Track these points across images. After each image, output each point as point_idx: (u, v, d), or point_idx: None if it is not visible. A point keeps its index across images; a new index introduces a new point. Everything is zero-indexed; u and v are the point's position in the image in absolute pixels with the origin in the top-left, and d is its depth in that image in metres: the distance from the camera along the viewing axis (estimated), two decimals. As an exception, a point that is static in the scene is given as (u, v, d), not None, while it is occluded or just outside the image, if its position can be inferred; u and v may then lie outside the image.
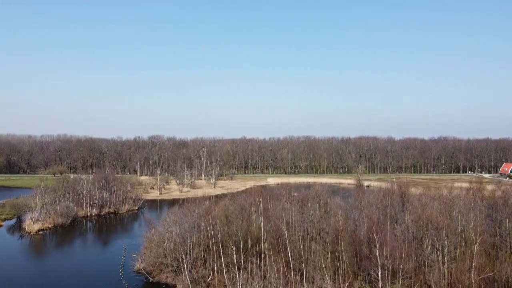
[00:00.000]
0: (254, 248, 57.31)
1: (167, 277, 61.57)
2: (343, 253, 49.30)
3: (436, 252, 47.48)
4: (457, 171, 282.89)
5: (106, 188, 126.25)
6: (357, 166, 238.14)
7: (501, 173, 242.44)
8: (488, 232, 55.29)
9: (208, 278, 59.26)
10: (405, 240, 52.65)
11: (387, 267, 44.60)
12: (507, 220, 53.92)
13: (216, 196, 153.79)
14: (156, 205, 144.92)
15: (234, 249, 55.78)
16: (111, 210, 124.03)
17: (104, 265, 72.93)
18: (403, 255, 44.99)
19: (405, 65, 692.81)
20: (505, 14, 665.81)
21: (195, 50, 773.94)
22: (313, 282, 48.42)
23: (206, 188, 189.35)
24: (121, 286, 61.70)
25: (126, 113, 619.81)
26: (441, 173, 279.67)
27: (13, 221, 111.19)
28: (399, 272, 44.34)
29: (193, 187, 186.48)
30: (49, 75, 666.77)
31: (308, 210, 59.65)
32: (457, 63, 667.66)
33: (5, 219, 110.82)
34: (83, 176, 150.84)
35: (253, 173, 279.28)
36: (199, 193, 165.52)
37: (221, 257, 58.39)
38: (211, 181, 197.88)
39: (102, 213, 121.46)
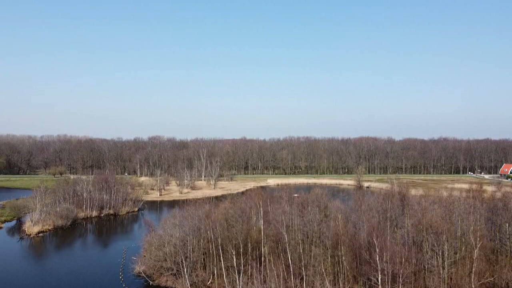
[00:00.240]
0: (254, 252, 57.29)
1: (167, 280, 61.55)
2: (343, 258, 49.27)
3: (436, 256, 47.47)
4: (457, 171, 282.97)
5: (106, 190, 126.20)
6: (357, 167, 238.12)
7: (501, 174, 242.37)
8: (488, 236, 55.25)
9: (208, 281, 59.26)
10: (405, 244, 52.63)
11: (387, 272, 44.59)
12: (507, 225, 53.87)
13: (216, 197, 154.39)
14: (156, 206, 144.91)
15: (234, 253, 55.78)
16: (111, 211, 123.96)
17: (104, 267, 72.86)
18: (403, 260, 44.97)
19: (405, 66, 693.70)
20: (505, 14, 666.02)
21: (195, 50, 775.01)
22: (313, 287, 48.43)
23: (206, 189, 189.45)
24: (121, 289, 61.70)
25: (126, 113, 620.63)
26: (441, 173, 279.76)
27: (13, 223, 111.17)
28: (399, 277, 44.33)
29: (193, 188, 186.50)
30: (49, 75, 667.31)
31: (308, 214, 59.64)
32: (457, 64, 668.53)
33: (5, 221, 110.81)
34: (83, 177, 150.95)
35: (253, 174, 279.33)
36: (199, 194, 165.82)
37: (221, 261, 58.41)
38: (211, 182, 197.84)
39: (102, 215, 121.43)
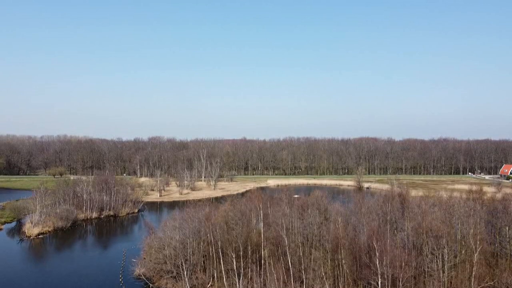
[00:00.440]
0: (254, 255, 57.28)
1: (167, 283, 61.52)
2: (343, 261, 49.27)
3: (436, 260, 47.48)
4: (457, 172, 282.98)
5: (106, 191, 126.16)
6: (357, 168, 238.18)
7: (501, 175, 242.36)
8: (488, 239, 55.23)
9: (208, 284, 59.24)
10: (405, 247, 52.63)
11: (387, 275, 44.59)
12: (507, 228, 53.87)
13: (216, 198, 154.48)
14: (156, 207, 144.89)
15: (234, 256, 55.77)
16: (111, 213, 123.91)
17: (104, 269, 72.87)
18: (403, 263, 44.97)
19: (405, 66, 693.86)
20: (505, 14, 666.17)
21: (194, 50, 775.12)
22: (313, 290, 48.46)
23: (206, 190, 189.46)
24: (121, 292, 61.75)
25: (126, 113, 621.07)
26: (441, 174, 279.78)
27: (13, 224, 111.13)
28: (399, 281, 44.33)
29: (193, 189, 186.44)
30: (49, 76, 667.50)
31: (308, 216, 59.66)
32: (457, 64, 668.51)
33: (5, 222, 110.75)
34: (83, 178, 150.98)
35: (253, 174, 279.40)
36: (199, 195, 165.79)
37: (221, 264, 58.41)
38: (211, 183, 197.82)
39: (102, 216, 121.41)
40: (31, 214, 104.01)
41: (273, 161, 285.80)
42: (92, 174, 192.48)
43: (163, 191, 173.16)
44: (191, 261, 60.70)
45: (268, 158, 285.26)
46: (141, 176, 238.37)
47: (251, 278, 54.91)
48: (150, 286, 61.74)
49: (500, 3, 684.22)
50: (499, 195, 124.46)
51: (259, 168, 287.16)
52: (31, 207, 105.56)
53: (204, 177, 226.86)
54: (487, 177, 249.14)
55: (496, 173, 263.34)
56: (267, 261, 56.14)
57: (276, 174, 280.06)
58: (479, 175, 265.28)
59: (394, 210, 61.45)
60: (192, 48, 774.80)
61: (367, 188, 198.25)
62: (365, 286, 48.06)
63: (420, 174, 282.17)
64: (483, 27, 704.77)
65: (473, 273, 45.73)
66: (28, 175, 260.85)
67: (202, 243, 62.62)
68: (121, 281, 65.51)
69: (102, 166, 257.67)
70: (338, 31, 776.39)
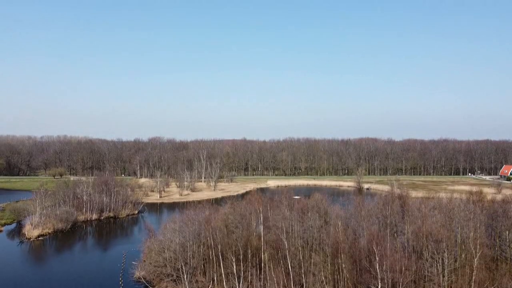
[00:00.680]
0: (254, 259, 57.26)
1: (167, 286, 61.44)
2: (343, 265, 49.26)
3: (436, 264, 47.47)
4: (457, 173, 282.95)
5: (106, 192, 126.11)
6: (357, 168, 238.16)
7: (501, 175, 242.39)
8: (488, 244, 55.19)
9: (208, 287, 59.23)
10: (405, 251, 52.62)
11: (387, 280, 44.59)
12: (507, 232, 53.86)
13: (216, 200, 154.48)
14: (156, 208, 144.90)
15: (234, 259, 55.76)
16: (111, 214, 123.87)
17: (104, 272, 72.88)
18: (403, 268, 44.96)
19: (405, 67, 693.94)
20: (505, 17, 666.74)
21: (195, 52, 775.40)
22: (313, 294, 48.45)
23: (206, 190, 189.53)
24: (121, 295, 61.79)
25: (126, 114, 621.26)
26: (441, 175, 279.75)
27: (13, 226, 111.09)
28: (399, 286, 44.31)
29: (193, 189, 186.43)
30: (50, 76, 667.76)
31: (308, 220, 59.64)
32: (457, 65, 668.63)
33: (5, 224, 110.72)
34: (83, 178, 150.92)
35: (253, 175, 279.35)
36: (199, 196, 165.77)
37: (221, 267, 58.40)
38: (211, 184, 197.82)
39: (102, 218, 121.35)
40: (31, 216, 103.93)
41: (273, 161, 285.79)
42: (92, 175, 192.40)
43: (163, 192, 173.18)
44: (191, 264, 60.70)
45: (268, 159, 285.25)
46: (141, 177, 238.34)
47: (251, 282, 54.93)
48: (150, 289, 61.74)
49: (499, 7, 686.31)
50: (499, 196, 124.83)
51: (259, 169, 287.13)
52: (31, 208, 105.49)
53: (204, 178, 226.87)
54: (487, 177, 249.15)
55: (496, 174, 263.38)
56: (267, 265, 56.12)
57: (276, 175, 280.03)
58: (479, 176, 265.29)
59: (394, 213, 61.45)
60: (192, 50, 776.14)
61: (367, 189, 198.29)
62: (365, 290, 48.03)
63: (420, 174, 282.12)
64: (483, 29, 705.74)
65: (473, 277, 45.71)
66: (28, 175, 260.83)
67: (202, 246, 62.60)
68: (121, 284, 65.55)
69: (102, 166, 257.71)
70: (338, 33, 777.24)
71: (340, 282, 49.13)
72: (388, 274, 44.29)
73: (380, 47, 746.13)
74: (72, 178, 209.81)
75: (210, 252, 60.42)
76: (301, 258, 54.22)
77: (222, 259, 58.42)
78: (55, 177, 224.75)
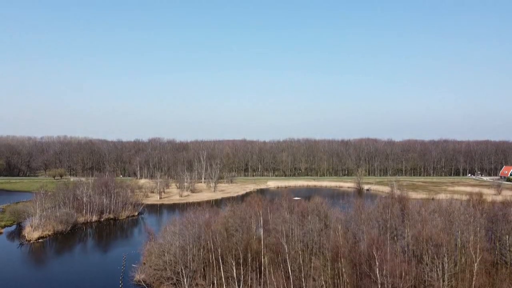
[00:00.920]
0: (254, 263, 57.21)
1: (167, 289, 61.48)
2: (343, 269, 49.23)
3: (436, 269, 47.43)
4: (457, 173, 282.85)
5: (106, 194, 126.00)
6: (357, 169, 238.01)
7: (501, 176, 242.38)
8: (488, 249, 55.15)
9: (208, 291, 59.19)
10: (405, 255, 52.58)
11: (386, 285, 44.53)
12: (507, 236, 53.83)
13: (216, 201, 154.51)
14: (156, 210, 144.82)
15: (234, 263, 55.73)
16: (111, 216, 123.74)
17: (104, 274, 72.88)
18: (403, 273, 44.92)
19: (405, 67, 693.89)
20: (505, 18, 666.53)
21: (195, 52, 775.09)
22: (313, 299, 48.39)
23: (206, 192, 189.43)
24: (121, 298, 61.75)
25: (126, 114, 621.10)
26: (441, 175, 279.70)
27: (13, 227, 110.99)
28: (399, 291, 44.26)
29: (193, 191, 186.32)
30: (50, 76, 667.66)
31: (308, 223, 59.61)
32: (457, 65, 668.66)
33: (5, 226, 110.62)
34: (83, 179, 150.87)
35: (253, 176, 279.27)
36: (199, 197, 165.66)
37: (220, 271, 58.37)
38: (211, 185, 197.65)
39: (102, 219, 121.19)
40: (31, 218, 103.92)
41: (273, 162, 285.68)
42: (92, 176, 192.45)
43: (163, 193, 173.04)
44: (191, 268, 60.64)
45: (268, 160, 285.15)
46: (141, 178, 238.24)
47: (250, 286, 54.88)
48: (150, 293, 61.72)
49: (499, 7, 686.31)
50: (499, 198, 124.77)
51: (259, 170, 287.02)
52: (31, 210, 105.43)
53: (204, 178, 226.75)
54: (487, 178, 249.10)
55: (496, 175, 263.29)
56: (267, 269, 56.09)
57: (276, 176, 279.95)
58: (479, 177, 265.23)
59: (394, 217, 61.40)
60: (192, 50, 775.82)
61: (367, 190, 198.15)
62: (365, 295, 47.97)
63: (420, 175, 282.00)
64: (483, 29, 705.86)
65: (473, 282, 45.68)
66: (28, 176, 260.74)
67: (202, 250, 62.53)
68: (121, 286, 65.53)
69: (102, 167, 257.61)
70: (338, 33, 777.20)
71: (340, 287, 49.10)
72: (388, 279, 44.24)
73: (380, 47, 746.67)
74: (72, 179, 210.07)
75: (210, 256, 60.37)
76: (301, 262, 54.19)
77: (222, 263, 58.38)
78: (55, 178, 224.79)
